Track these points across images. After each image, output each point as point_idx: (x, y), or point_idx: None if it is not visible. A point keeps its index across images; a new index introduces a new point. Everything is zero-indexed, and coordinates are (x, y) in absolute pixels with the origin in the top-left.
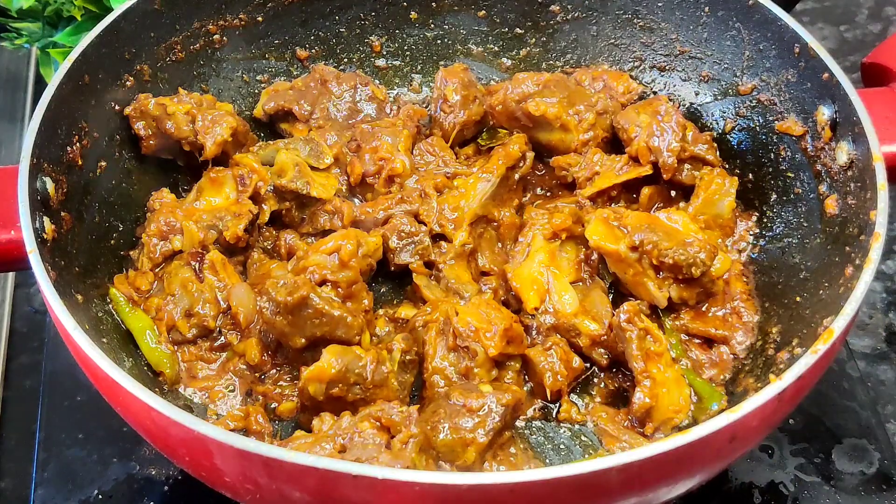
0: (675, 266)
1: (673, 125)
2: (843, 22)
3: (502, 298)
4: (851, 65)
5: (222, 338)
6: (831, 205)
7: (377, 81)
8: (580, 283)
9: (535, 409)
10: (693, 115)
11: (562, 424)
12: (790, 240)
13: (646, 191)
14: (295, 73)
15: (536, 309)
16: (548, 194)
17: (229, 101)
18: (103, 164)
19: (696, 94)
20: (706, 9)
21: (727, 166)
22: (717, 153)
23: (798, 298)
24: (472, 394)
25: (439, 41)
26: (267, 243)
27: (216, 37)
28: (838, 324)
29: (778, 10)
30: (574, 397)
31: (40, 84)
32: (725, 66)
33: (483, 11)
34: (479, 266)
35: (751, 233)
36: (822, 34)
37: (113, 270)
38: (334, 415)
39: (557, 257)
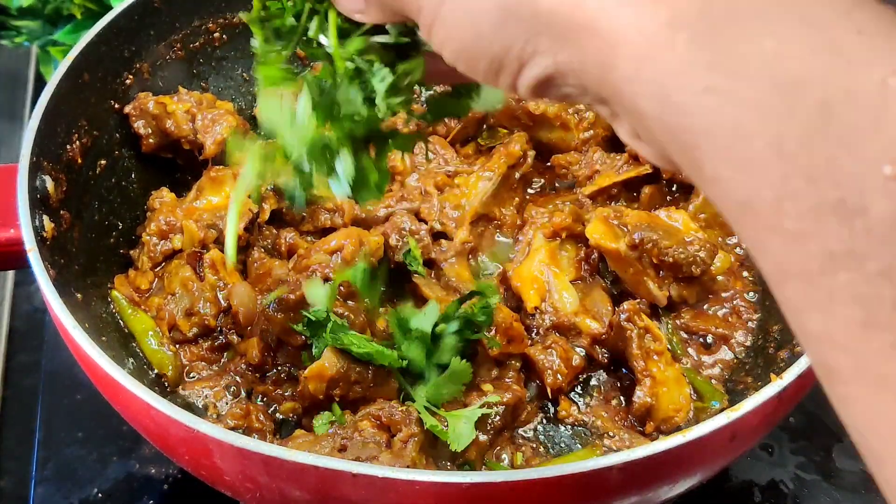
0: (675, 265)
1: None
2: None
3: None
4: None
5: (223, 337)
6: None
7: None
8: (580, 282)
9: (535, 408)
10: None
11: (562, 423)
12: None
13: (646, 190)
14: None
15: (537, 308)
16: (551, 191)
17: (229, 100)
18: (103, 162)
19: None
20: None
21: None
22: None
23: None
24: (473, 393)
25: None
26: (267, 242)
27: (216, 35)
28: None
29: None
30: (574, 396)
31: (40, 82)
32: None
33: None
34: (479, 264)
35: None
36: None
37: (113, 269)
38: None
39: (558, 256)
